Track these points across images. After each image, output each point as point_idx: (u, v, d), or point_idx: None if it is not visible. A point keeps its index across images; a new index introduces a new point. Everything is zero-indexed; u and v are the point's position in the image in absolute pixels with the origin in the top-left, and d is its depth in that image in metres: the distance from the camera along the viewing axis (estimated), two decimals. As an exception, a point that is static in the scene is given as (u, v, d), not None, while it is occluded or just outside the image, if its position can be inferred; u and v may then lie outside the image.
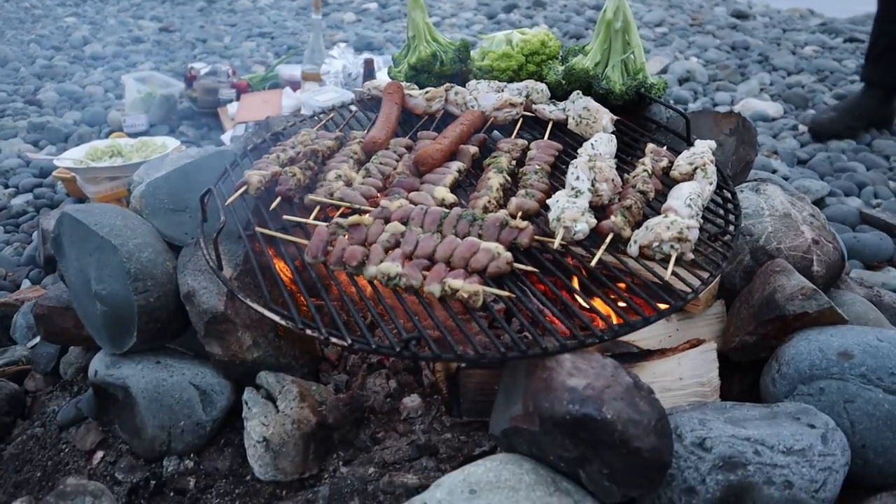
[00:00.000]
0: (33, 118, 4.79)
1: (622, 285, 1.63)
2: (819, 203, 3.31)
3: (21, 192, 3.79)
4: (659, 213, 1.78)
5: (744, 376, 1.90)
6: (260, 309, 1.59)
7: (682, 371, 1.75)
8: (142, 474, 1.84)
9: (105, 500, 1.67)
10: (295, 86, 4.44)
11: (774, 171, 3.61)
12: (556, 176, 2.01)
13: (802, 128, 4.30)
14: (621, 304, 1.62)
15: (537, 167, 1.96)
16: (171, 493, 1.79)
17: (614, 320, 1.55)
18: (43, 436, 2.05)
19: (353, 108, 2.50)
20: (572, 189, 1.79)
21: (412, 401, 1.86)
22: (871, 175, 3.64)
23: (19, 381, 2.28)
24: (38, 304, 2.13)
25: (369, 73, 3.92)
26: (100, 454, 1.94)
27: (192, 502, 1.77)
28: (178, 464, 1.82)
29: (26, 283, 2.95)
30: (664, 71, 5.24)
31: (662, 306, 1.55)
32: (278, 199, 1.89)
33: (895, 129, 4.21)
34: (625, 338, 1.85)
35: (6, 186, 3.85)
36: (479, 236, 1.69)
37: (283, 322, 1.56)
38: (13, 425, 2.12)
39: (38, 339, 2.30)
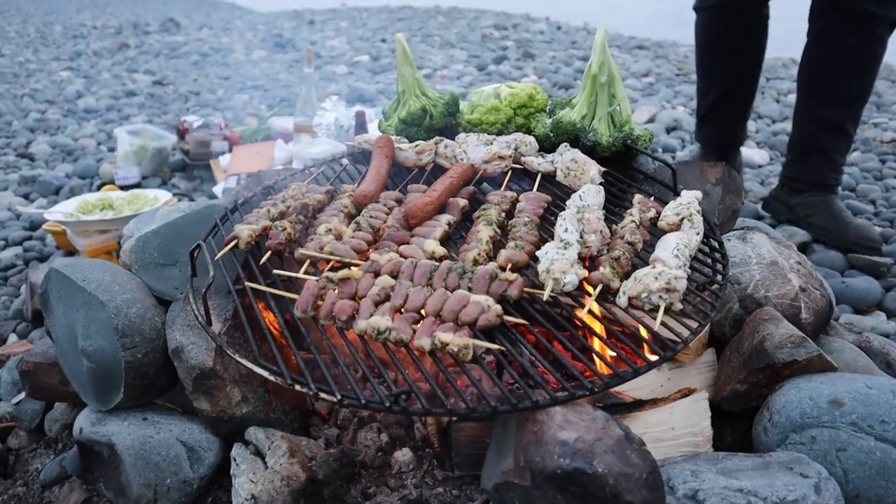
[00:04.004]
0: (24, 171, 4.81)
1: (612, 337, 1.63)
2: (805, 248, 3.34)
3: (10, 245, 3.78)
4: (647, 264, 1.79)
5: (736, 425, 1.89)
6: (249, 365, 1.58)
7: (674, 421, 1.74)
8: (127, 535, 1.80)
9: (88, 563, 1.63)
10: (287, 138, 4.49)
11: (761, 218, 3.65)
12: (545, 227, 2.02)
13: (787, 174, 4.35)
14: (611, 354, 1.62)
15: (526, 219, 1.98)
16: (157, 555, 1.75)
17: (605, 372, 1.54)
18: (25, 495, 2.01)
19: (345, 161, 2.53)
20: (561, 241, 1.80)
21: (404, 455, 1.84)
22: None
23: (2, 439, 2.24)
24: (23, 360, 2.11)
25: (361, 125, 3.97)
26: (84, 514, 1.90)
27: (178, 564, 1.73)
28: (165, 523, 1.79)
29: (13, 338, 2.93)
30: (651, 120, 5.33)
31: (652, 357, 1.55)
32: (268, 253, 1.90)
33: (875, 174, 4.26)
34: (616, 388, 1.84)
35: (-5, 240, 3.84)
36: (469, 289, 1.69)
37: (272, 378, 1.55)
38: (-5, 484, 2.08)
39: (22, 395, 2.27)
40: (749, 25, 3.49)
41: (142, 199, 3.52)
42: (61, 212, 3.39)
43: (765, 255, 2.05)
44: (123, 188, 4.04)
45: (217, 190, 4.07)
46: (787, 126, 5.25)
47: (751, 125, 5.28)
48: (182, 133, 4.69)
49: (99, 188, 4.26)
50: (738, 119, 3.77)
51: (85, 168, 4.76)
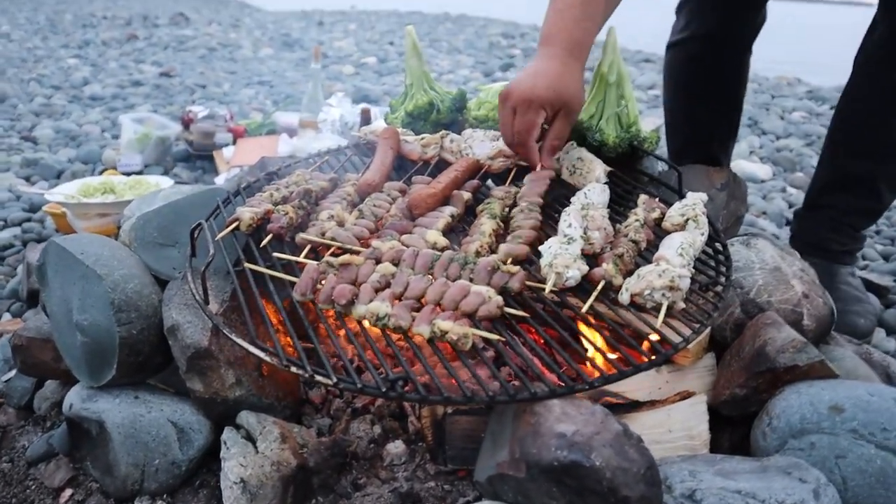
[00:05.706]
0: (27, 154, 4.79)
1: (613, 334, 1.61)
2: (807, 264, 3.32)
3: (9, 225, 3.75)
4: (650, 263, 1.77)
5: (734, 430, 1.86)
6: (245, 345, 1.56)
7: (672, 423, 1.73)
8: (112, 514, 1.77)
9: (72, 539, 1.61)
10: (292, 133, 4.48)
11: (763, 231, 3.64)
12: (548, 222, 2.00)
13: (791, 189, 4.36)
14: (612, 352, 1.60)
15: (525, 204, 1.97)
16: (142, 536, 1.72)
17: (605, 368, 1.52)
18: (10, 471, 1.98)
19: (349, 151, 2.51)
20: (564, 236, 1.79)
21: (396, 447, 1.82)
22: (858, 238, 3.65)
23: (-10, 415, 2.21)
24: (16, 335, 2.08)
25: (366, 122, 3.97)
26: (68, 492, 1.87)
27: (164, 546, 1.70)
28: (151, 505, 1.76)
29: (7, 317, 2.90)
30: (656, 131, 5.32)
31: (653, 356, 1.53)
32: (269, 236, 1.88)
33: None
34: (615, 389, 1.83)
35: (-6, 219, 3.82)
36: (471, 280, 1.68)
37: (267, 359, 1.53)
38: (-20, 460, 2.05)
39: (13, 372, 2.24)
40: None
41: (143, 184, 3.50)
42: (62, 193, 3.37)
43: (768, 261, 2.04)
44: (126, 175, 4.02)
45: (219, 180, 4.05)
46: (791, 143, 5.26)
47: (755, 141, 5.29)
48: (186, 123, 4.68)
49: (101, 174, 4.24)
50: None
51: (88, 153, 4.74)
